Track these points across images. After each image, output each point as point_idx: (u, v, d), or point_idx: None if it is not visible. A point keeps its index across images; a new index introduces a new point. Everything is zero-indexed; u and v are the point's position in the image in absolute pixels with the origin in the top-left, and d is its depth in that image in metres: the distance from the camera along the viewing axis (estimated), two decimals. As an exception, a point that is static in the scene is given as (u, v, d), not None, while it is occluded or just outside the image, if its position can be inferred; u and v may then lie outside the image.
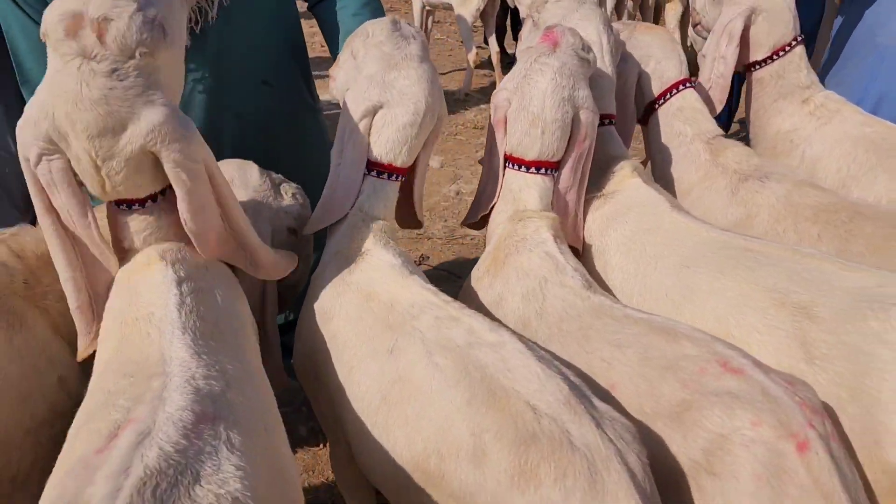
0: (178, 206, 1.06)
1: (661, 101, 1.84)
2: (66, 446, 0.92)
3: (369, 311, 1.22)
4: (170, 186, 1.06)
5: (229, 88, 1.70)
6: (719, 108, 1.96)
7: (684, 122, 1.80)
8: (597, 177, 1.54)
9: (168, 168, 1.02)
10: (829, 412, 1.04)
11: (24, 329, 1.19)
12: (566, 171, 1.44)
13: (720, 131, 1.80)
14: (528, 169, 1.40)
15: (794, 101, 1.93)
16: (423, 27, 5.64)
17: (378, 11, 1.79)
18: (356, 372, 1.21)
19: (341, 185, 1.35)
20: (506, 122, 1.43)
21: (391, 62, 1.33)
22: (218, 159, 1.68)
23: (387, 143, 1.33)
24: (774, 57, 1.93)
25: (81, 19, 0.96)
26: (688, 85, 1.83)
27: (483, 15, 5.11)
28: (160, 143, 1.01)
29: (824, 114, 1.88)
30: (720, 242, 1.30)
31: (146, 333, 1.01)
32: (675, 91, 1.83)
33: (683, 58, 1.91)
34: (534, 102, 1.37)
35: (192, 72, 1.62)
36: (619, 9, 5.23)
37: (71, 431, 0.94)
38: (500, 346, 1.06)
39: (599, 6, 1.68)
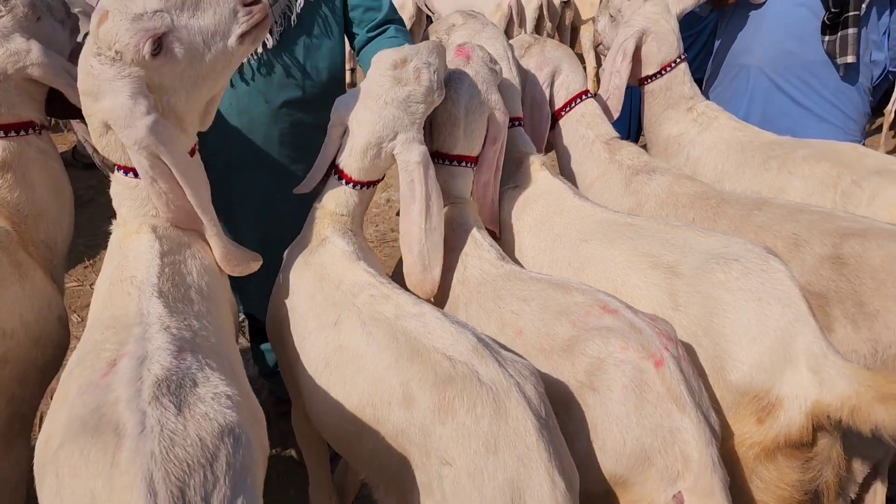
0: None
1: (568, 108, 2.12)
2: (59, 387, 1.10)
3: (321, 289, 1.43)
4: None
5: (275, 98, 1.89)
6: (616, 115, 2.24)
7: (587, 127, 2.07)
8: (511, 171, 1.80)
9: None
10: (688, 347, 1.32)
11: (29, 278, 1.39)
12: (484, 165, 1.69)
13: (616, 134, 2.08)
14: (451, 162, 1.65)
15: (680, 110, 2.23)
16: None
17: None
18: (307, 341, 1.42)
19: (316, 167, 1.58)
20: (431, 124, 1.68)
21: (364, 95, 1.51)
22: (252, 160, 1.90)
23: (344, 156, 1.53)
24: (662, 72, 2.23)
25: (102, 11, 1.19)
26: (589, 95, 2.12)
27: (411, 32, 5.39)
28: (114, 125, 1.22)
29: (705, 120, 2.20)
30: (609, 220, 1.58)
31: (127, 293, 1.20)
32: (578, 100, 2.10)
33: (585, 72, 2.20)
34: (454, 106, 1.61)
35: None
36: (538, 29, 5.59)
37: (63, 375, 1.12)
38: (421, 316, 1.28)
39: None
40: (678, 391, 1.15)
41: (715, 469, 1.13)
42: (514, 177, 1.80)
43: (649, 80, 2.24)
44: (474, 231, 1.57)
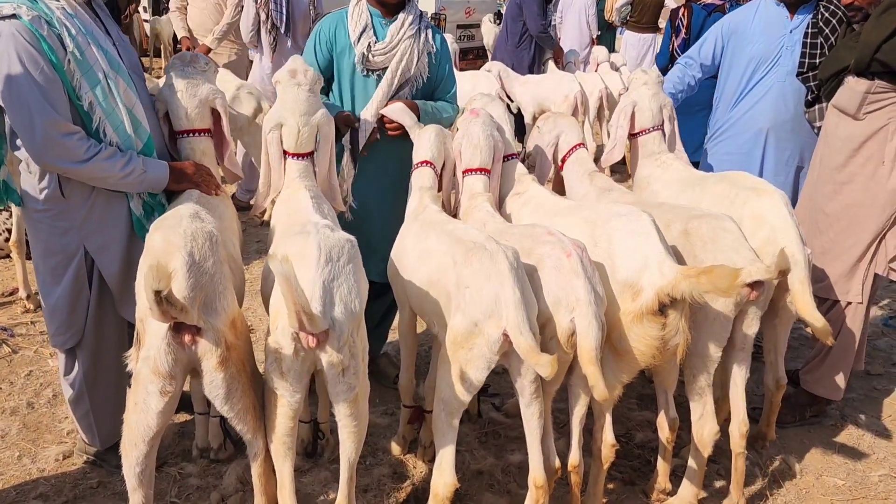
0: (319, 160, 2.60)
1: (570, 154, 3.25)
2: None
3: (422, 229, 2.54)
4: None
5: None
6: (618, 157, 3.36)
7: (579, 165, 3.19)
8: (515, 185, 2.97)
9: (322, 137, 2.54)
10: (599, 265, 2.39)
11: (230, 201, 2.69)
12: (493, 174, 2.88)
13: (596, 168, 3.20)
14: (475, 173, 2.83)
15: (651, 159, 3.30)
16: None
17: None
18: (410, 257, 2.54)
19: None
20: (461, 153, 2.87)
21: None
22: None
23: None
24: (642, 133, 3.34)
25: (295, 71, 2.53)
26: (581, 146, 3.26)
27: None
28: (322, 124, 2.55)
29: (665, 167, 3.27)
30: (569, 204, 2.73)
31: (299, 215, 2.40)
32: (576, 149, 3.23)
33: (581, 131, 3.35)
34: (474, 137, 2.81)
35: None
36: (599, 115, 6.80)
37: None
38: (464, 228, 2.40)
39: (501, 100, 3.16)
40: (577, 269, 2.23)
41: (590, 305, 2.19)
42: (517, 188, 2.97)
43: (635, 136, 3.36)
44: (491, 210, 2.74)
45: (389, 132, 3.05)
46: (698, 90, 4.21)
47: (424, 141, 2.86)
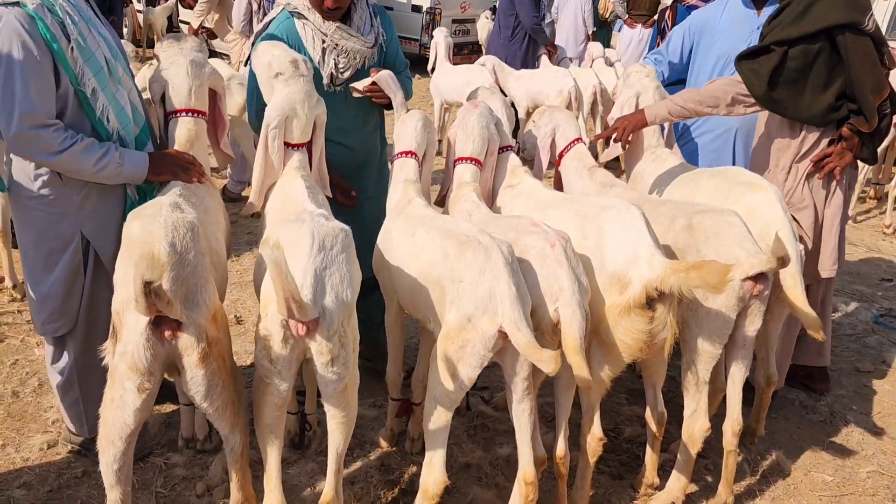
0: (314, 149, 2.57)
1: (567, 150, 3.21)
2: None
3: (408, 224, 2.49)
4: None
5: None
6: (619, 150, 3.31)
7: (578, 160, 3.14)
8: (507, 176, 2.94)
9: (318, 127, 2.51)
10: (585, 258, 2.37)
11: (217, 192, 2.63)
12: (486, 167, 2.85)
13: (595, 164, 3.17)
14: (465, 162, 2.81)
15: (647, 152, 3.30)
16: (441, 122, 7.20)
17: None
18: (399, 251, 2.47)
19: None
20: (454, 141, 2.85)
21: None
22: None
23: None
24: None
25: (297, 61, 2.49)
26: (579, 141, 3.22)
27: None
28: (320, 114, 2.51)
29: (660, 161, 3.26)
30: (560, 197, 2.70)
31: (294, 204, 2.38)
32: (574, 144, 3.19)
33: (578, 125, 3.33)
34: (469, 127, 2.79)
35: None
36: (592, 110, 6.79)
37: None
38: (454, 221, 2.37)
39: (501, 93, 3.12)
40: (561, 259, 2.21)
41: (574, 295, 2.17)
42: (509, 179, 2.94)
43: None
44: (477, 201, 2.71)
45: (375, 100, 2.98)
46: None
47: (410, 129, 2.77)
